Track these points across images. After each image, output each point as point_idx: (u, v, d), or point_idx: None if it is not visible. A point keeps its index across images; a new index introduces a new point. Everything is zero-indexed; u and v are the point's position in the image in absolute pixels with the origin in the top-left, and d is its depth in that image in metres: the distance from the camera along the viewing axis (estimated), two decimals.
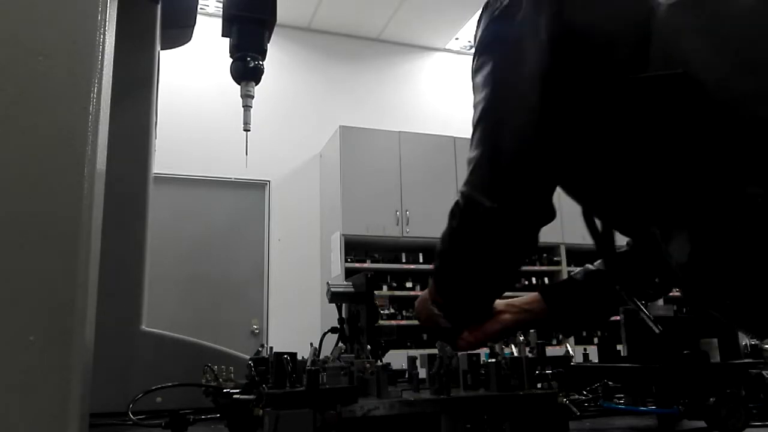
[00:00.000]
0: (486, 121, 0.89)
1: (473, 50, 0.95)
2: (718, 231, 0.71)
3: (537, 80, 0.84)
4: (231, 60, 1.37)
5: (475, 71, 0.93)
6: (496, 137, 0.88)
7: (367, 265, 5.29)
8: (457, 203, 0.93)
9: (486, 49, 0.92)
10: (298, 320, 5.37)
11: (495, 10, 0.91)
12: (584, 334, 5.23)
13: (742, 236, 0.68)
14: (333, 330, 1.24)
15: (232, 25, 1.36)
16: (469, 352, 0.87)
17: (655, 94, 0.74)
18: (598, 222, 0.99)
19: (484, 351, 1.00)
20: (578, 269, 1.18)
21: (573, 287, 1.15)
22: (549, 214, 0.91)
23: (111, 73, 0.72)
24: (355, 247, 5.39)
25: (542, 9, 0.84)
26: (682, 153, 0.73)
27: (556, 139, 0.86)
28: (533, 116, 0.85)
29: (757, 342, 0.73)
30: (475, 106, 0.92)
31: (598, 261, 1.13)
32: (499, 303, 1.13)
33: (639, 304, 0.95)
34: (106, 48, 0.64)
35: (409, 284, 5.39)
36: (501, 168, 0.88)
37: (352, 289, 1.19)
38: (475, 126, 0.91)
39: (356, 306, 1.19)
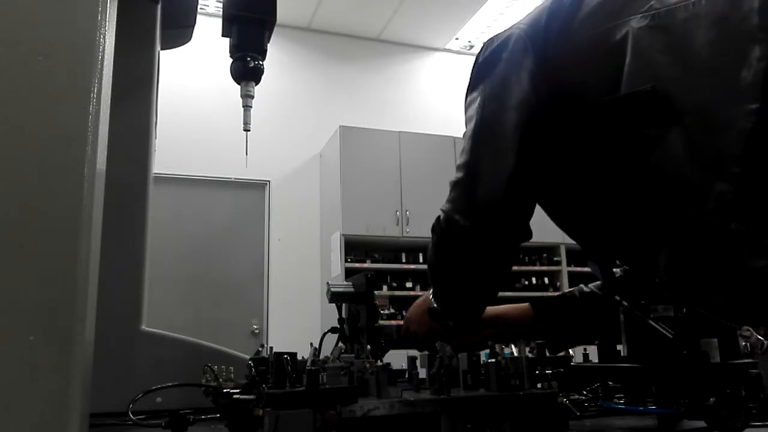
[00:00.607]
0: (470, 149, 0.98)
1: (467, 86, 1.03)
2: (693, 230, 0.75)
3: (519, 117, 0.92)
4: (231, 60, 1.37)
5: (468, 106, 1.01)
6: (476, 165, 0.96)
7: (367, 265, 5.29)
8: (438, 219, 1.01)
9: (476, 85, 1.00)
10: (298, 320, 5.37)
11: (487, 50, 1.01)
12: None
13: (714, 233, 0.72)
14: (333, 330, 1.25)
15: (232, 25, 1.36)
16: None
17: (627, 112, 0.80)
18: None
19: (483, 351, 1.01)
20: (573, 288, 1.24)
21: (564, 303, 1.19)
22: (524, 235, 0.98)
23: (111, 73, 0.72)
24: (355, 247, 5.39)
25: (527, 50, 0.93)
26: (657, 163, 0.78)
27: (534, 171, 0.95)
28: (512, 151, 0.93)
29: (742, 335, 0.74)
30: (463, 136, 1.00)
31: (593, 283, 1.19)
32: (488, 314, 1.16)
33: (643, 311, 0.96)
34: (106, 48, 0.64)
35: (409, 284, 5.39)
36: (478, 193, 0.95)
37: (352, 289, 1.20)
38: (461, 152, 1.00)
39: (356, 306, 1.19)
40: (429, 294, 1.15)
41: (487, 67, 0.98)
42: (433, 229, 1.02)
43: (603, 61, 0.85)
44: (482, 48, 1.03)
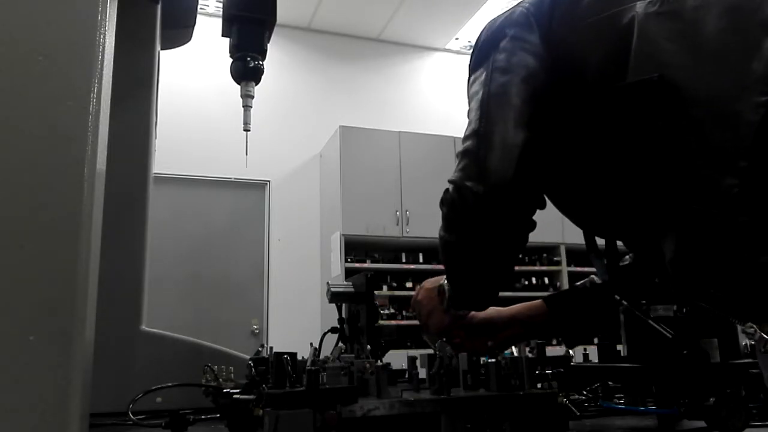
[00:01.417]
0: (478, 119, 0.94)
1: (469, 67, 1.01)
2: (700, 223, 0.73)
3: (527, 90, 0.91)
4: (231, 60, 1.37)
5: (471, 83, 0.99)
6: (486, 134, 0.93)
7: (367, 265, 5.28)
8: (446, 191, 0.97)
9: (481, 62, 0.98)
10: (298, 320, 5.37)
11: (490, 29, 0.99)
12: None
13: (721, 227, 0.71)
14: (333, 330, 1.25)
15: (232, 25, 1.36)
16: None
17: (634, 100, 0.79)
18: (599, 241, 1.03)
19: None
20: (584, 280, 1.22)
21: (577, 296, 1.18)
22: (537, 202, 0.96)
23: (111, 73, 0.72)
24: (355, 247, 5.38)
25: (532, 26, 0.92)
26: (663, 154, 0.77)
27: (544, 143, 0.92)
28: (522, 124, 0.90)
29: (741, 328, 0.73)
30: (468, 113, 0.98)
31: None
32: (503, 316, 1.15)
33: (644, 311, 0.96)
34: (106, 48, 0.64)
35: (409, 284, 5.38)
36: (489, 163, 0.92)
37: (352, 289, 1.20)
38: (468, 124, 0.97)
39: (356, 306, 1.19)
40: (441, 279, 1.11)
41: (492, 43, 0.97)
42: (443, 202, 0.98)
43: (608, 44, 0.83)
44: (485, 28, 1.01)
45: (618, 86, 0.80)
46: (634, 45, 0.79)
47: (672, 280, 0.80)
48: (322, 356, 0.88)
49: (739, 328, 0.76)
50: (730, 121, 0.70)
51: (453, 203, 0.94)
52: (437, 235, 1.01)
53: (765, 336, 0.70)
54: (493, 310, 1.14)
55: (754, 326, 0.71)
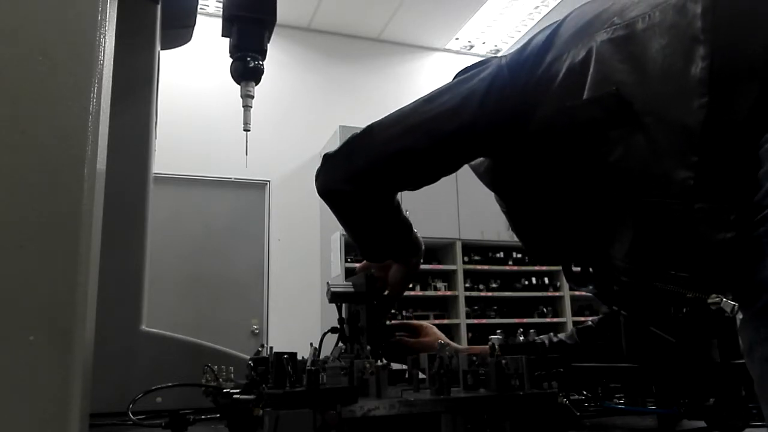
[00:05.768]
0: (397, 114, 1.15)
1: None
2: (658, 213, 0.80)
3: (455, 132, 1.03)
4: (231, 60, 1.37)
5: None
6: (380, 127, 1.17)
7: None
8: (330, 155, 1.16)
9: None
10: (298, 320, 5.37)
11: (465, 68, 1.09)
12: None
13: (679, 214, 0.77)
14: (333, 330, 1.25)
15: (232, 25, 1.35)
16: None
17: (589, 115, 0.86)
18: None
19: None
20: (544, 336, 1.28)
21: (529, 351, 1.25)
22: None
23: (111, 73, 0.72)
24: (355, 247, 5.37)
25: (502, 78, 0.99)
26: (615, 160, 0.84)
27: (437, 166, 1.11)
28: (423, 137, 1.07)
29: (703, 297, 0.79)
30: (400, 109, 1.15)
31: (564, 333, 1.27)
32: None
33: (644, 321, 0.97)
34: (106, 48, 0.64)
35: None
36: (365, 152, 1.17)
37: (352, 289, 1.20)
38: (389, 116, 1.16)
39: (356, 306, 1.20)
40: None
41: (457, 78, 1.06)
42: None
43: (566, 82, 0.90)
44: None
45: (573, 104, 0.87)
46: (592, 69, 0.86)
47: (625, 272, 0.88)
48: (322, 356, 0.88)
49: (739, 312, 0.78)
50: (678, 124, 0.77)
51: (326, 162, 1.14)
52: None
53: (731, 302, 0.75)
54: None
55: (721, 296, 0.76)
